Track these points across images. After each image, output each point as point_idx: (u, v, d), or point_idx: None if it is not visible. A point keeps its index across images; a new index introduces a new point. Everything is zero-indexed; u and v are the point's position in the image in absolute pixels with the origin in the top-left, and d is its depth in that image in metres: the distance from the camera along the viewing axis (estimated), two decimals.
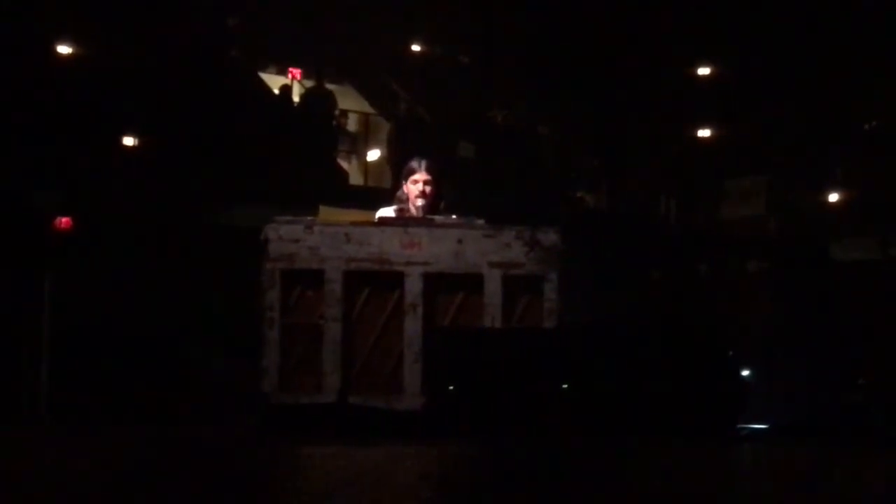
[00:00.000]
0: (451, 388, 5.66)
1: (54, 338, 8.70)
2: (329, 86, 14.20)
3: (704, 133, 13.58)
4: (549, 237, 6.17)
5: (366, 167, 14.88)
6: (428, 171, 6.47)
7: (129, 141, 11.38)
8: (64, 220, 9.17)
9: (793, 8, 12.32)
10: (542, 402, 5.56)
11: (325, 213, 6.36)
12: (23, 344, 8.73)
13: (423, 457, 4.68)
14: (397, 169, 9.06)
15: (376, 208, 6.57)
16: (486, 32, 14.16)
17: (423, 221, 6.27)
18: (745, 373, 6.74)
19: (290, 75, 14.84)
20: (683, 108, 13.53)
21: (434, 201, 6.46)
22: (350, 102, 15.15)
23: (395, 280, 6.11)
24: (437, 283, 6.12)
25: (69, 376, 8.60)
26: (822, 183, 12.66)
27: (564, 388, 5.59)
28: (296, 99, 14.28)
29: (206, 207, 10.49)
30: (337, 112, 14.32)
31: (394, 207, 6.52)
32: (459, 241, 6.13)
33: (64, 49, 11.28)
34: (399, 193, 6.59)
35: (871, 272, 10.44)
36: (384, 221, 6.32)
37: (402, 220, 6.32)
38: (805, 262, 10.84)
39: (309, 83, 14.34)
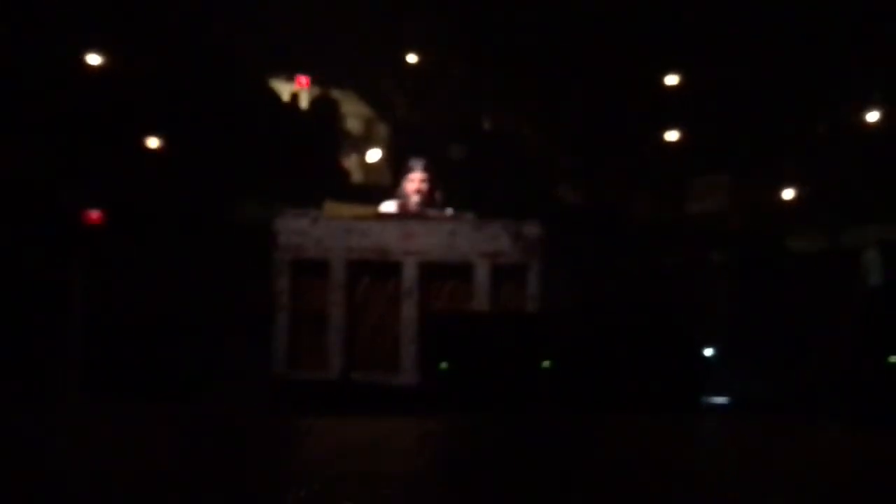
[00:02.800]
0: (444, 366, 5.68)
1: (85, 321, 8.69)
2: (334, 92, 14.17)
3: (672, 136, 13.59)
4: (533, 230, 6.18)
5: (366, 166, 14.85)
6: (424, 170, 6.50)
7: (152, 142, 11.35)
8: (94, 213, 9.16)
9: (752, 21, 12.33)
10: (525, 378, 5.57)
11: (330, 207, 6.37)
12: (56, 327, 8.72)
13: (419, 428, 4.69)
14: (395, 168, 9.06)
15: (376, 203, 6.58)
16: (475, 46, 14.14)
17: (418, 215, 6.28)
18: (708, 352, 6.76)
19: (298, 83, 14.78)
20: (653, 114, 13.53)
21: (429, 197, 6.48)
22: (353, 107, 15.09)
23: (393, 269, 6.12)
24: (431, 271, 6.14)
25: (99, 356, 8.59)
26: (779, 181, 12.67)
27: (545, 367, 5.61)
28: (303, 104, 14.25)
29: (222, 203, 10.48)
30: (341, 116, 14.29)
31: (393, 203, 6.53)
32: (451, 234, 6.15)
33: (92, 59, 11.24)
34: (398, 190, 6.60)
35: (821, 262, 10.47)
36: (383, 216, 6.33)
37: (400, 214, 6.34)
38: (763, 253, 10.87)
39: (315, 90, 14.30)
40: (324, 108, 13.78)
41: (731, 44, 12.51)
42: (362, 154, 14.94)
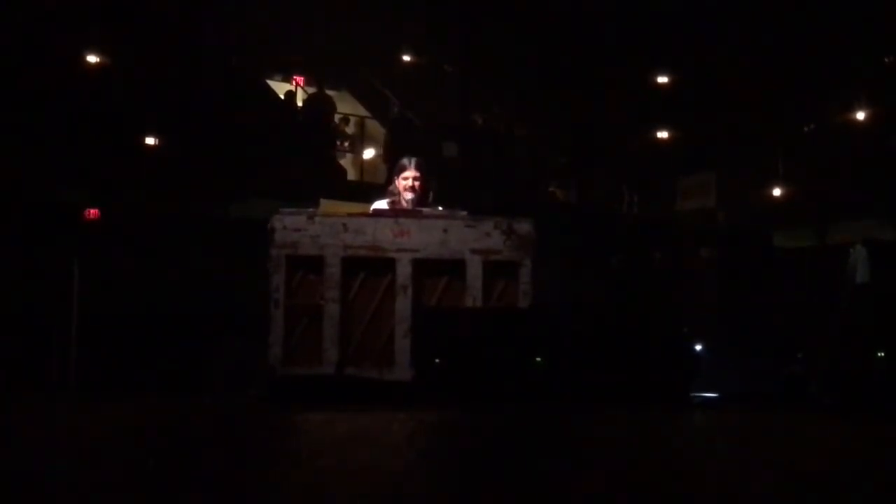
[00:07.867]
0: (437, 360, 5.65)
1: (83, 317, 8.65)
2: (329, 92, 14.16)
3: (661, 135, 13.59)
4: (524, 227, 6.16)
5: (361, 164, 14.85)
6: (417, 168, 6.46)
7: (150, 141, 11.31)
8: (92, 211, 9.12)
9: (739, 24, 12.34)
10: (518, 373, 5.55)
11: (326, 205, 6.35)
12: (55, 322, 8.68)
13: (412, 421, 4.67)
14: (389, 166, 9.03)
15: (371, 201, 6.55)
16: (468, 46, 14.14)
17: (412, 213, 6.25)
18: (698, 347, 6.74)
19: (294, 83, 14.78)
20: (642, 113, 13.54)
21: (422, 195, 6.44)
22: (348, 107, 15.10)
23: (387, 265, 6.09)
24: (424, 267, 6.11)
25: (97, 351, 8.55)
26: (766, 178, 12.69)
27: (537, 361, 5.58)
28: (299, 104, 14.23)
29: (219, 200, 10.45)
30: (336, 115, 14.28)
31: (386, 200, 6.50)
32: (444, 231, 6.12)
33: (91, 59, 11.19)
34: (391, 188, 6.57)
35: (808, 257, 10.47)
36: (378, 213, 6.30)
37: (394, 211, 6.30)
38: (751, 249, 10.85)
39: (311, 90, 14.29)
40: (319, 107, 13.76)
41: (719, 44, 12.52)
42: (357, 153, 14.93)
